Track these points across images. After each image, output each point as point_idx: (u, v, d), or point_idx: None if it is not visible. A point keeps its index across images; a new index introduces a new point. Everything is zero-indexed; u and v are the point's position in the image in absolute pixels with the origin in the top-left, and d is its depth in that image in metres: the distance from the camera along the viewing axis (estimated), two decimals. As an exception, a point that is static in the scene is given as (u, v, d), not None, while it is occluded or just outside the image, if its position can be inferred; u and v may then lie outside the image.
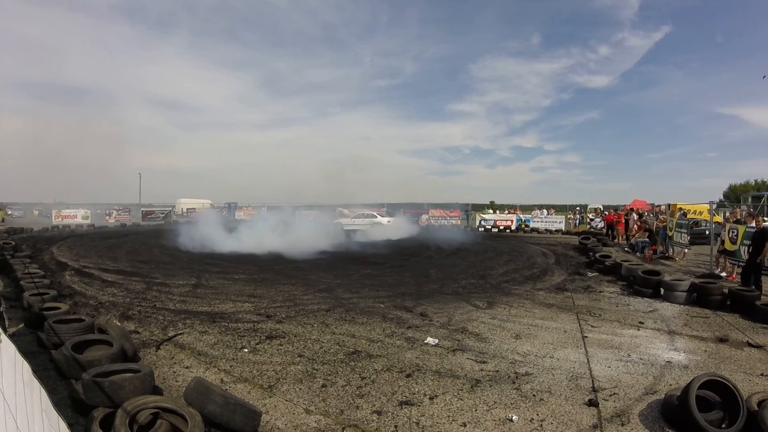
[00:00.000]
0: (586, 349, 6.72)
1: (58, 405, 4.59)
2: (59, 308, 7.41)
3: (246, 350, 6.58)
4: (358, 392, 5.15)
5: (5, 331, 6.37)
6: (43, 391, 1.59)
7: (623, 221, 24.67)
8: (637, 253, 18.66)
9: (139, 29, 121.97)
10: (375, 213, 34.23)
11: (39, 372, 5.31)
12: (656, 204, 28.06)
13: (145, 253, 19.00)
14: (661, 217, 20.41)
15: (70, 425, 4.16)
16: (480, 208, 42.74)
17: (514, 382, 5.44)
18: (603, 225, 29.04)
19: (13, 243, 18.10)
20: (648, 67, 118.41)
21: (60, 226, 34.28)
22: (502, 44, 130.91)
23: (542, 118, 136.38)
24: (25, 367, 1.87)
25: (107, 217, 42.51)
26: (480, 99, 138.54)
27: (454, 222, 38.46)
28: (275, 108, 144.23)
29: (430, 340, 7.04)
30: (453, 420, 4.50)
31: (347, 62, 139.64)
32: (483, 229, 35.02)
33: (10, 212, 44.65)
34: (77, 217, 39.20)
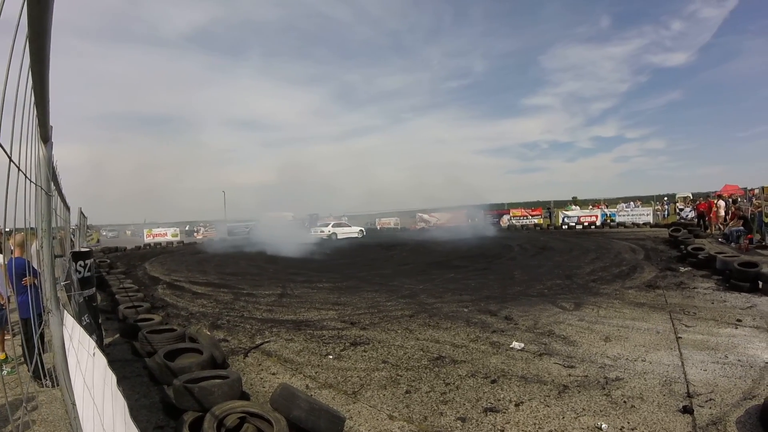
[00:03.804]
0: (680, 351, 6.25)
1: (150, 408, 4.83)
2: (152, 319, 7.85)
3: (331, 357, 6.62)
4: (442, 398, 5.02)
5: (102, 342, 6.83)
6: (125, 403, 1.59)
7: (715, 210, 22.76)
8: (732, 244, 17.19)
9: (214, 56, 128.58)
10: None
11: (132, 378, 5.65)
12: (749, 188, 25.41)
13: (232, 265, 19.79)
14: (755, 202, 18.46)
15: (161, 428, 4.35)
16: (562, 204, 41.13)
17: (603, 388, 5.13)
18: (694, 215, 27.11)
19: (109, 261, 19.65)
20: (726, 38, 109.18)
21: (152, 244, 36.61)
22: (571, 31, 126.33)
23: (621, 104, 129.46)
24: (112, 379, 1.91)
25: (195, 234, 45.00)
26: (554, 90, 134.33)
27: (536, 221, 37.45)
28: (350, 118, 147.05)
29: (515, 344, 6.77)
30: (539, 428, 4.29)
31: (416, 67, 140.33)
32: (566, 226, 33.81)
33: (104, 233, 48.16)
34: (167, 235, 41.84)
